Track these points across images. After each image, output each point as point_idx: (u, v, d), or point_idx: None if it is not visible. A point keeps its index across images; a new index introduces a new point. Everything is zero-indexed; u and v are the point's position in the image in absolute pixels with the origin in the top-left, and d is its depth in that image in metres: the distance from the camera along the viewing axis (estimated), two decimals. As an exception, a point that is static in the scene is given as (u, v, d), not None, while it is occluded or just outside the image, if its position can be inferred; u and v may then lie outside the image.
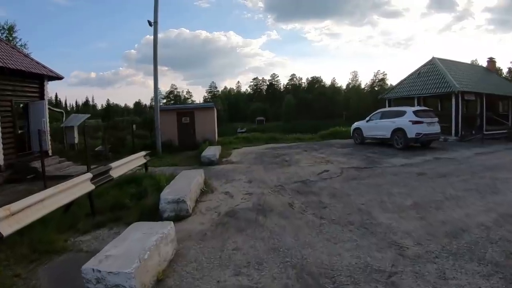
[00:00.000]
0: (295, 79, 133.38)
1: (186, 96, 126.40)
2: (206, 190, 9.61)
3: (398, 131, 17.08)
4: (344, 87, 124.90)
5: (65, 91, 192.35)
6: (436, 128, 17.53)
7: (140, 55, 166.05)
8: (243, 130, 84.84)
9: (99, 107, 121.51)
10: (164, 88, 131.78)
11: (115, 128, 30.85)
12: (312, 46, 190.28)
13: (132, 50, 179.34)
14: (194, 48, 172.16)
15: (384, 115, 18.56)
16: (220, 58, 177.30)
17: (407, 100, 26.69)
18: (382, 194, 8.64)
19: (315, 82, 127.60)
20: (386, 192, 8.87)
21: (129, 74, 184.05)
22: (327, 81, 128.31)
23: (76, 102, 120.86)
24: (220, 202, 8.40)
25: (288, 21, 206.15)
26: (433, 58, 25.75)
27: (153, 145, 20.00)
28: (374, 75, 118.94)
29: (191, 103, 27.40)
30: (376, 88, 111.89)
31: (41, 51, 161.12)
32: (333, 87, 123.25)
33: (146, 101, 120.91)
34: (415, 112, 17.06)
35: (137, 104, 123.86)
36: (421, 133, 16.50)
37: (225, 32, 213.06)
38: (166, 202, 7.29)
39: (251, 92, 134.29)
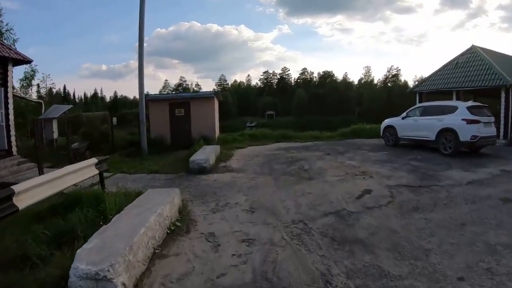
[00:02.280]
0: (306, 73, 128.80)
1: (195, 89, 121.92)
2: (179, 226, 5.90)
3: (447, 132, 13.15)
4: (356, 82, 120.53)
5: (76, 84, 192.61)
6: (493, 130, 13.64)
7: (151, 48, 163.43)
8: (252, 124, 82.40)
9: (107, 99, 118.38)
10: (174, 81, 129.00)
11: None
12: (324, 41, 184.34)
13: None
14: (205, 41, 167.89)
15: (426, 111, 14.57)
16: (231, 51, 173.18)
17: (442, 95, 22.85)
18: (479, 249, 4.98)
19: (326, 76, 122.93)
20: (483, 244, 5.15)
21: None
22: (339, 76, 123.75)
23: (85, 94, 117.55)
24: (193, 264, 4.61)
25: (300, 15, 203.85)
26: (473, 46, 21.78)
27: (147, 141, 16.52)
28: (388, 71, 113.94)
29: (187, 92, 23.05)
30: (389, 84, 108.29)
31: (51, 43, 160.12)
32: (345, 82, 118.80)
33: (155, 93, 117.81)
34: (470, 109, 13.11)
35: (146, 96, 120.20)
36: (478, 136, 12.55)
37: (236, 26, 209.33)
38: (78, 276, 3.60)
39: (262, 86, 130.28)
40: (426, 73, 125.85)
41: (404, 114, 15.55)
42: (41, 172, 10.83)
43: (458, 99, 20.03)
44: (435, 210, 6.69)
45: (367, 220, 6.19)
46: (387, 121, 16.51)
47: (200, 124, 17.99)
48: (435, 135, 13.52)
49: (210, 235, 5.57)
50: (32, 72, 28.50)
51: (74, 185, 6.97)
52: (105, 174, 10.40)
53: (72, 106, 25.97)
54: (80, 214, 5.56)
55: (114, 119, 17.30)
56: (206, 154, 11.78)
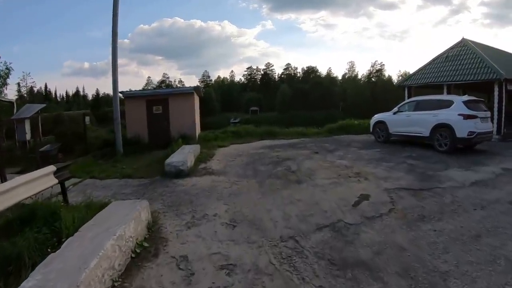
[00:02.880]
0: (290, 68, 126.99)
1: (178, 85, 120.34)
2: (146, 247, 4.95)
3: (442, 128, 12.38)
4: (340, 77, 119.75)
5: (58, 82, 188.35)
6: (489, 126, 13.06)
7: (134, 45, 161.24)
8: (236, 120, 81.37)
9: (90, 97, 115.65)
10: (157, 78, 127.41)
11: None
12: (307, 37, 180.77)
13: (126, 40, 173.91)
14: (188, 37, 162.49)
15: (419, 106, 13.74)
16: (215, 47, 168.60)
17: (432, 90, 22.25)
18: (501, 268, 4.28)
19: (310, 72, 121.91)
20: (505, 261, 4.44)
21: (122, 64, 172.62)
22: (323, 72, 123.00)
23: (67, 92, 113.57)
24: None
25: (283, 11, 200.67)
26: (464, 39, 21.24)
27: (123, 141, 15.53)
28: (372, 66, 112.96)
29: (165, 88, 21.52)
30: (373, 79, 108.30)
31: (30, 39, 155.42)
32: (329, 77, 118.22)
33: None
34: (466, 103, 12.35)
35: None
36: (475, 132, 11.83)
37: (219, 21, 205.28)
38: None
39: (245, 82, 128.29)
40: (409, 68, 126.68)
41: (395, 109, 14.74)
42: (3, 179, 9.73)
43: (449, 93, 19.45)
44: (443, 219, 5.85)
45: (369, 234, 5.29)
46: (377, 117, 15.66)
47: (180, 122, 16.88)
48: (429, 131, 12.75)
49: (182, 260, 4.59)
50: (7, 70, 26.74)
51: (30, 197, 5.94)
52: (73, 180, 9.48)
53: (45, 104, 24.53)
54: (30, 235, 4.56)
55: (87, 119, 15.96)
56: (184, 155, 10.73)
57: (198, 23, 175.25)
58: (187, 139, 15.62)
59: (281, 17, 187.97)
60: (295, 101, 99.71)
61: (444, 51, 21.49)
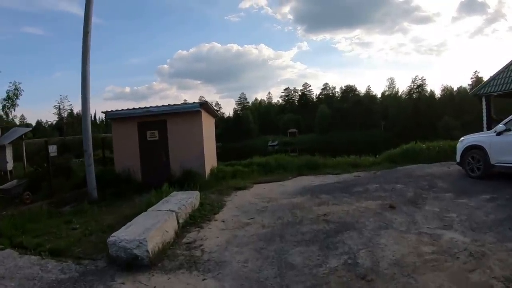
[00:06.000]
0: (328, 88, 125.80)
1: (215, 108, 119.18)
2: None
3: None
4: (379, 95, 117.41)
5: (100, 106, 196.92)
6: None
7: (173, 70, 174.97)
8: (274, 143, 78.03)
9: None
10: (194, 101, 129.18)
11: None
12: (344, 56, 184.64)
13: (165, 65, 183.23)
14: (226, 61, 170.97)
15: (548, 121, 8.59)
16: (252, 71, 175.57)
17: None
18: None
19: (349, 91, 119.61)
20: None
21: (163, 89, 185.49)
22: (362, 90, 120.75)
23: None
24: None
25: (318, 32, 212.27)
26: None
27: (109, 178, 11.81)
28: (412, 81, 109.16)
29: (161, 105, 16.79)
30: (414, 96, 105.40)
31: (74, 66, 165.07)
32: (369, 96, 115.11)
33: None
34: None
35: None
36: None
37: (256, 45, 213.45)
38: None
39: (283, 103, 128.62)
40: (451, 83, 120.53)
41: (500, 126, 9.41)
42: None
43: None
44: None
45: None
46: (469, 139, 10.37)
47: (182, 153, 12.13)
48: None
49: None
50: (16, 91, 23.69)
51: None
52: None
53: (30, 129, 21.21)
54: None
55: (53, 148, 11.47)
56: (152, 222, 5.79)
57: (235, 47, 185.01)
58: (192, 177, 11.00)
59: (316, 38, 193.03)
60: (334, 121, 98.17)
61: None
